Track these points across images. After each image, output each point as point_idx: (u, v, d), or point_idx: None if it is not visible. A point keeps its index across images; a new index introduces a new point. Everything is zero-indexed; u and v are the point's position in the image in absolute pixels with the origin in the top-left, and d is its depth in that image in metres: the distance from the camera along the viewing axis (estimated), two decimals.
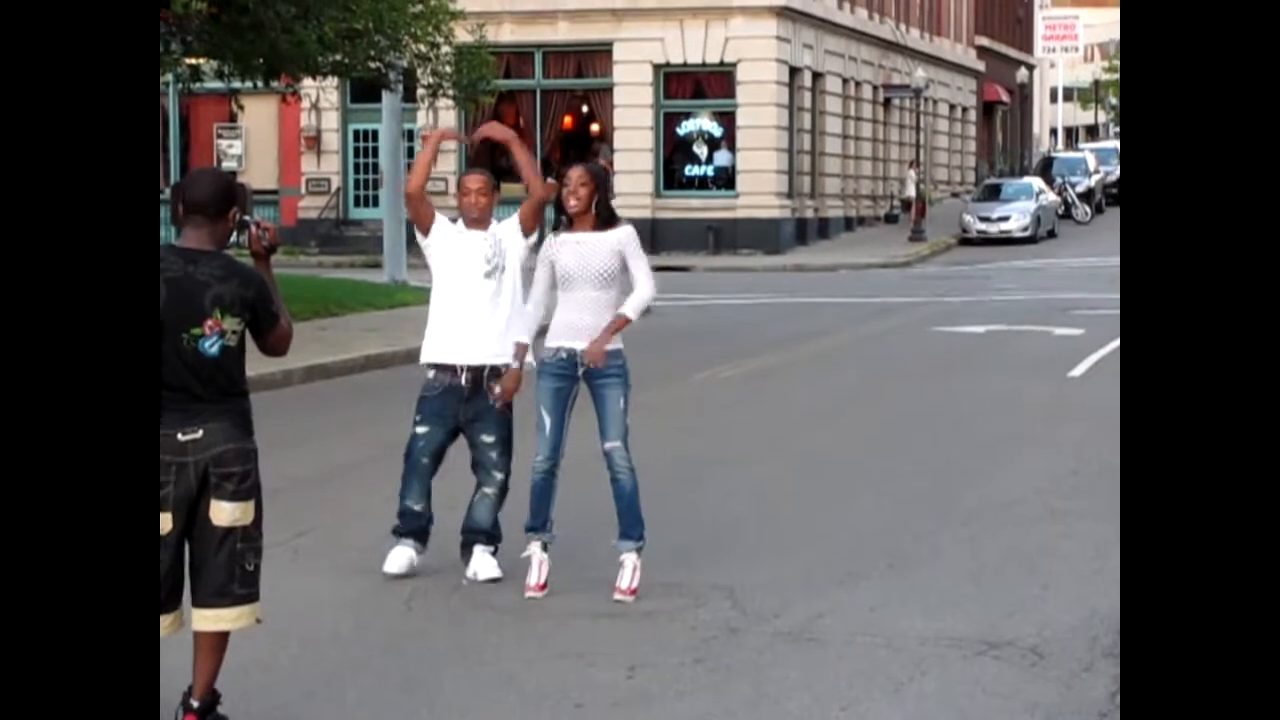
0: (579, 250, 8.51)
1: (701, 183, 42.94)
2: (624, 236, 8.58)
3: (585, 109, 43.64)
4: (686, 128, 42.85)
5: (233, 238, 6.17)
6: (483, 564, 8.90)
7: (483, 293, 8.90)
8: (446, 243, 8.97)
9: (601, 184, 8.58)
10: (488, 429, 8.92)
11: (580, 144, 43.35)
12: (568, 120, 43.59)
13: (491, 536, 8.98)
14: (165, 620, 6.03)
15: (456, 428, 8.98)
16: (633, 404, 8.66)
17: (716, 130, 42.75)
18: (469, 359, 8.90)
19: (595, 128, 43.57)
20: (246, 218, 6.14)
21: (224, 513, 6.02)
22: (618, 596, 8.42)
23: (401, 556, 8.98)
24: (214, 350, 5.96)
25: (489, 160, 34.90)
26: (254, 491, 6.10)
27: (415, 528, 9.01)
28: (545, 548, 8.63)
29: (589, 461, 9.17)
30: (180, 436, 5.93)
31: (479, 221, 8.99)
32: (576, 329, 8.53)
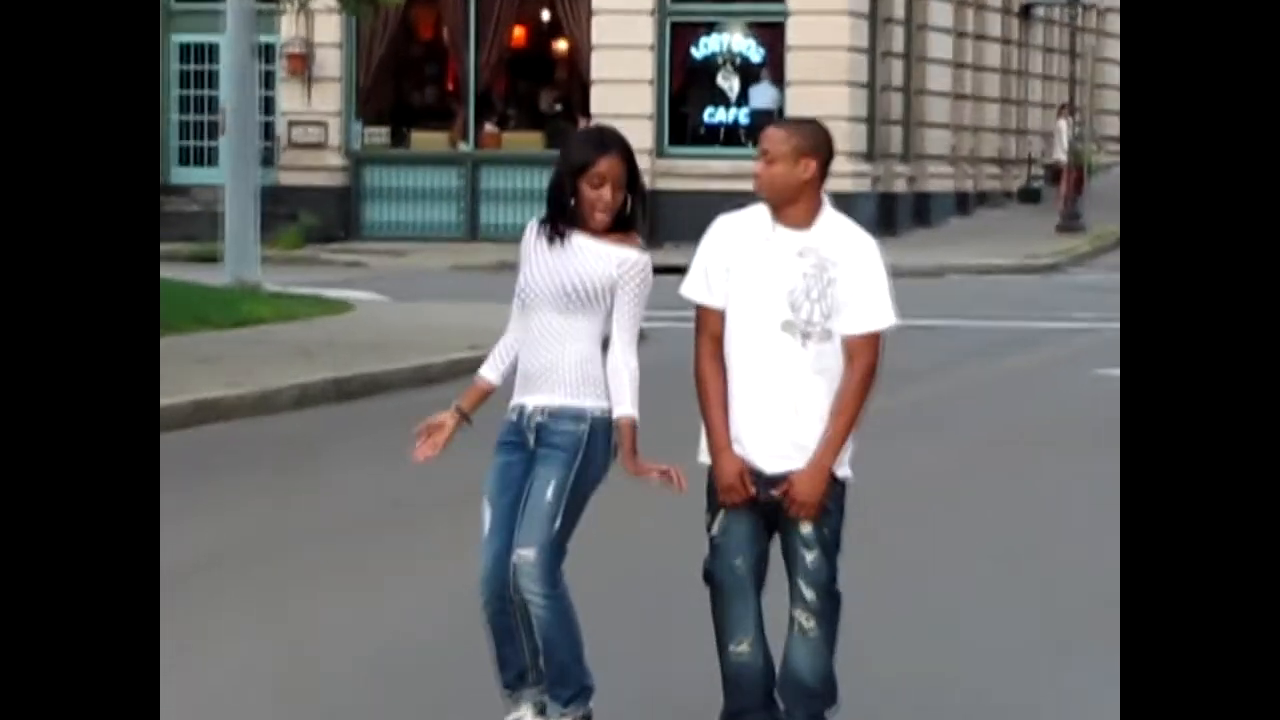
0: (562, 257, 8.70)
1: (729, 135, 43.10)
2: (633, 261, 8.77)
3: (546, 16, 43.81)
4: (707, 48, 43.04)
5: None
6: None
7: None
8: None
9: (634, 175, 8.77)
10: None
11: (537, 73, 43.49)
12: (518, 33, 43.74)
13: (814, 696, 8.70)
14: None
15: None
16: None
17: (754, 53, 42.93)
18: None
19: (562, 45, 43.71)
20: None
21: None
22: None
23: None
24: None
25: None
26: None
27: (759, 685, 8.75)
28: (543, 711, 8.78)
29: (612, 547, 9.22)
30: None
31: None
32: (527, 376, 8.78)
